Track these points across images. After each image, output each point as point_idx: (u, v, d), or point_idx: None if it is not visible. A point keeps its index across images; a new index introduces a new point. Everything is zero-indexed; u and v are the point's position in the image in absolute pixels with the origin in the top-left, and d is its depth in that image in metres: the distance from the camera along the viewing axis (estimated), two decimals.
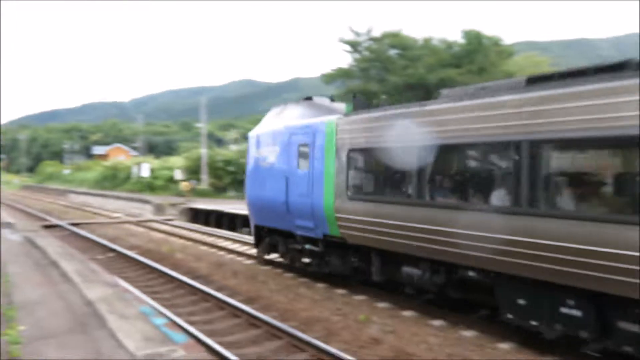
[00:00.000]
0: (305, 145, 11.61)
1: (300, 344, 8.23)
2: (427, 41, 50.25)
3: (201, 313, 10.36)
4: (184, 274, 13.61)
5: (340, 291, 11.77)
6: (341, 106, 11.90)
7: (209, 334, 8.54)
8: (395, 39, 49.00)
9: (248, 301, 10.96)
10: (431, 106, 8.66)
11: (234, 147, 51.61)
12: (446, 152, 8.48)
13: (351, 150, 10.40)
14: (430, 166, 8.73)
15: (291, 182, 11.86)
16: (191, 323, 9.13)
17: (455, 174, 8.78)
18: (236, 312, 10.08)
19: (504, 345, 8.26)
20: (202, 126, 49.28)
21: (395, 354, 7.82)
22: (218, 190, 43.29)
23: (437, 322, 9.53)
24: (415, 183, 8.84)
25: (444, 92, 8.96)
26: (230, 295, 11.32)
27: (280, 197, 12.22)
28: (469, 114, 7.88)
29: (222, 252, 17.73)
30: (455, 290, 9.15)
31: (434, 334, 8.77)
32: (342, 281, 12.25)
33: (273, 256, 14.66)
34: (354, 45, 50.22)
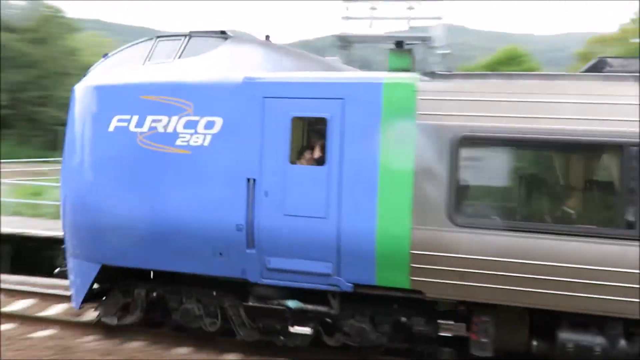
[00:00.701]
0: (318, 120, 6.72)
1: None
2: None
3: None
4: None
5: None
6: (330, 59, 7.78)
7: None
8: None
9: None
10: None
11: None
12: None
13: (467, 139, 6.05)
14: None
15: (266, 189, 6.72)
16: None
17: None
18: None
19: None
20: None
21: None
22: None
23: None
24: None
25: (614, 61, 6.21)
26: None
27: (227, 217, 6.79)
28: None
29: None
30: None
31: None
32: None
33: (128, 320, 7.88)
34: None
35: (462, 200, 6.10)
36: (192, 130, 6.90)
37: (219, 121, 6.84)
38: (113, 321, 7.79)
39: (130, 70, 7.44)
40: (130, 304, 7.66)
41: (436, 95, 6.22)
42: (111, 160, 7.17)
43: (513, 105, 5.94)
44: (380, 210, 6.24)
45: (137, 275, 7.49)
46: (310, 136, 6.96)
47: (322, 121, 6.55)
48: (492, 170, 6.27)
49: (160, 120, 7.01)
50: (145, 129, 7.04)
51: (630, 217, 5.49)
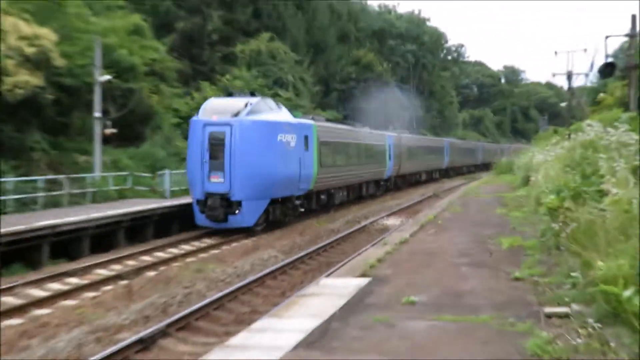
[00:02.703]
0: (306, 136, 27.34)
1: None
2: None
3: None
4: None
5: None
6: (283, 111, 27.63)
7: None
8: None
9: None
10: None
11: None
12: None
13: (323, 142, 29.73)
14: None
15: (303, 161, 26.54)
16: None
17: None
18: None
19: None
20: None
21: None
22: None
23: None
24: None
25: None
26: None
27: (297, 171, 26.09)
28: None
29: None
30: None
31: None
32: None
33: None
34: None
35: (321, 159, 29.72)
36: (292, 139, 26.01)
37: (295, 136, 26.30)
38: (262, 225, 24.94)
39: (277, 114, 26.25)
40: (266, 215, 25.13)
41: (319, 128, 30.19)
42: (279, 154, 24.73)
43: (337, 131, 33.96)
44: (314, 166, 28.55)
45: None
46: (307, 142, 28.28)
47: (307, 136, 27.89)
48: (329, 150, 31.53)
49: (288, 135, 25.62)
50: (286, 139, 25.40)
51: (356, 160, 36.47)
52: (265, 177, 23.60)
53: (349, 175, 34.36)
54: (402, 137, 46.98)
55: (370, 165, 38.79)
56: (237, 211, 23.30)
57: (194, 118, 24.45)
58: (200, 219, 23.81)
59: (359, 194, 37.91)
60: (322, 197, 31.24)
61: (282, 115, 26.51)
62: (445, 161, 61.76)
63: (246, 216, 23.50)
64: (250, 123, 23.45)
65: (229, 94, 27.39)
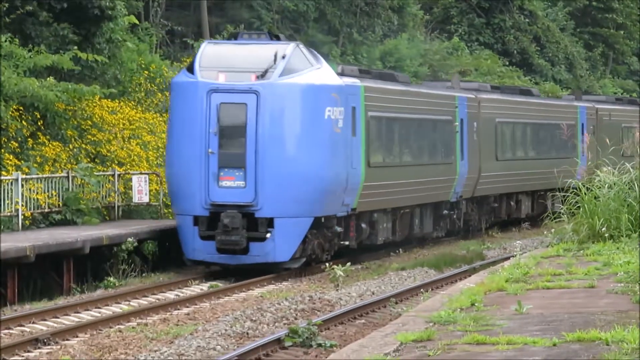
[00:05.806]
0: (354, 109, 17.78)
1: None
2: None
3: None
4: None
5: None
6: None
7: None
8: None
9: None
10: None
11: None
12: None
13: (372, 119, 18.75)
14: None
15: (350, 153, 17.45)
16: None
17: None
18: None
19: None
20: None
21: None
22: None
23: None
24: None
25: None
26: None
27: (344, 173, 17.25)
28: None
29: None
30: None
31: None
32: None
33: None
34: None
35: (371, 152, 19.15)
36: (340, 116, 16.96)
37: (342, 110, 17.13)
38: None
39: (320, 73, 17.13)
40: None
41: (368, 93, 18.59)
42: (327, 141, 17.14)
43: (397, 96, 20.77)
44: (362, 165, 18.29)
45: None
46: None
47: (353, 112, 17.64)
48: (385, 134, 20.08)
49: (336, 109, 17.08)
50: (335, 116, 16.95)
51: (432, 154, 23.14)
52: (310, 180, 16.03)
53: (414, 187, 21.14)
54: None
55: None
56: (266, 235, 15.73)
57: (185, 78, 16.56)
58: (199, 249, 15.86)
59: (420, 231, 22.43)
60: (364, 225, 18.91)
61: (325, 73, 17.20)
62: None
63: (280, 244, 15.79)
64: (288, 89, 16.16)
65: (234, 36, 18.64)
